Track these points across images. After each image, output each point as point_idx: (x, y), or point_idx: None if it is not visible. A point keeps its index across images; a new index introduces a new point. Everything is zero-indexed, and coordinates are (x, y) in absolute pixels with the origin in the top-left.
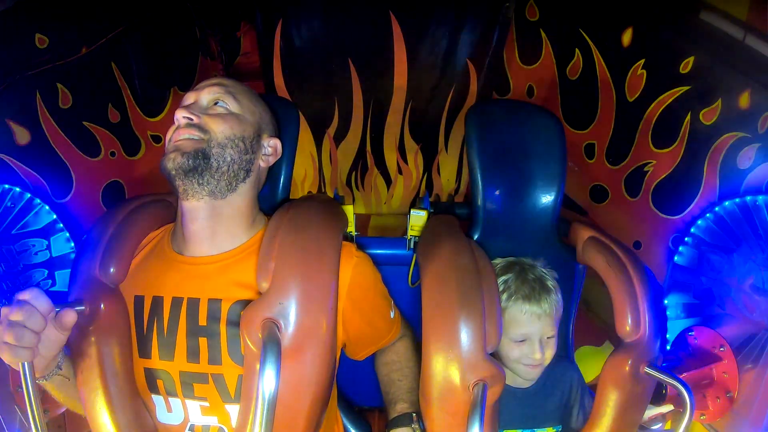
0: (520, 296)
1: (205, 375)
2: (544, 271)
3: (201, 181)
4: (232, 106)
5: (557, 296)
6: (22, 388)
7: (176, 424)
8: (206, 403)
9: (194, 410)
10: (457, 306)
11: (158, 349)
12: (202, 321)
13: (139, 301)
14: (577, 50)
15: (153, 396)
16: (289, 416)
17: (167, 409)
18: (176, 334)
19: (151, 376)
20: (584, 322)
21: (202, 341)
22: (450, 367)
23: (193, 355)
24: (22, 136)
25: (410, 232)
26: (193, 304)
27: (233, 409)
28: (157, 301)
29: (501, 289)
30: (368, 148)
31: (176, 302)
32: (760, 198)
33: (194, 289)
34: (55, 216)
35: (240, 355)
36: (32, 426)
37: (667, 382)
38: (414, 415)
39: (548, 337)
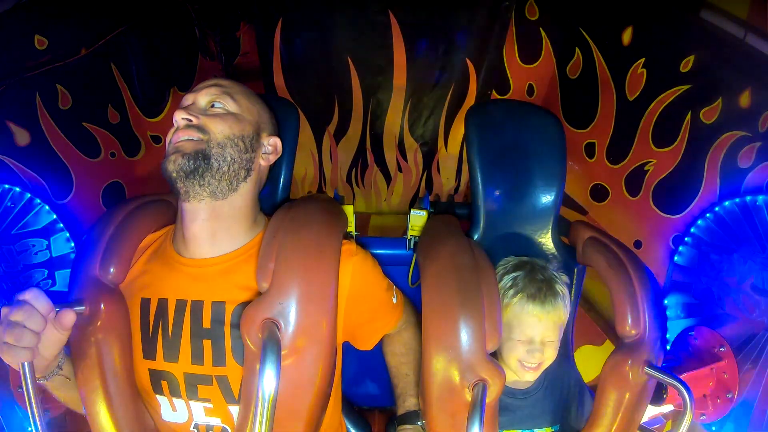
0: (525, 295)
1: (209, 377)
2: (555, 274)
3: (202, 183)
4: (230, 106)
5: (564, 302)
6: (22, 388)
7: (181, 423)
8: (210, 405)
9: (198, 411)
10: (457, 306)
11: (163, 351)
12: (206, 323)
13: (145, 303)
14: (577, 49)
15: (157, 396)
16: (289, 416)
17: (172, 409)
18: (180, 336)
19: (155, 377)
20: (584, 321)
21: (206, 343)
22: (450, 367)
23: (197, 357)
24: (21, 137)
25: (410, 232)
26: (197, 306)
27: (237, 410)
28: (163, 304)
29: (509, 285)
30: (368, 145)
31: (180, 305)
32: (761, 198)
33: (198, 292)
34: (55, 216)
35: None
36: (33, 426)
37: (667, 382)
38: (421, 412)
39: (549, 341)
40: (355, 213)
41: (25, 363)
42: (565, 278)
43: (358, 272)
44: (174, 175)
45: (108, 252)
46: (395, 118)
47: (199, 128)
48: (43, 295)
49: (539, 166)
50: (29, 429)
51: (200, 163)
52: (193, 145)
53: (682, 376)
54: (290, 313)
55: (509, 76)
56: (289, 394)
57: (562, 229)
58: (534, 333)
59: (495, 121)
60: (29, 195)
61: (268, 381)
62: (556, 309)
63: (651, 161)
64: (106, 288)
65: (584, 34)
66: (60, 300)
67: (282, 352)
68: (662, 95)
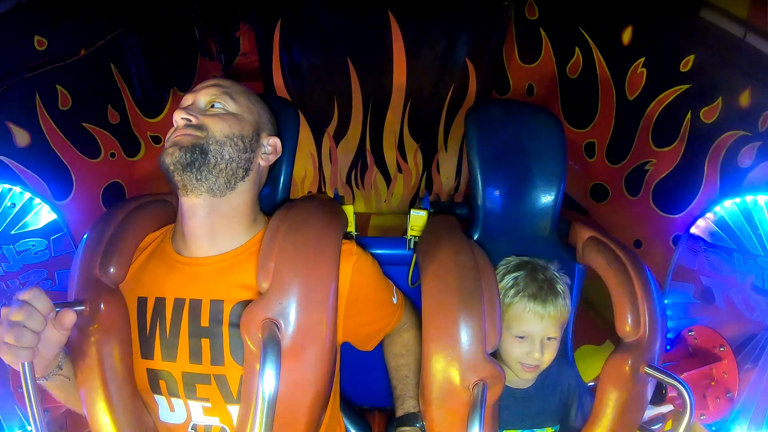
0: (526, 294)
1: (208, 376)
2: (556, 274)
3: (199, 177)
4: (230, 106)
5: (564, 301)
6: (22, 388)
7: (179, 424)
8: (208, 404)
9: (196, 411)
10: (457, 306)
11: (161, 350)
12: (205, 322)
13: (142, 302)
14: (576, 49)
15: (155, 396)
16: (289, 416)
17: (170, 409)
18: (178, 335)
19: (153, 377)
20: (584, 321)
21: (205, 342)
22: (450, 367)
23: (195, 356)
24: (21, 137)
25: (410, 232)
26: (195, 305)
27: (235, 410)
28: (160, 302)
29: (510, 285)
30: (368, 146)
31: (178, 303)
32: (761, 197)
33: (196, 291)
34: (55, 216)
35: (243, 356)
36: (32, 426)
37: (667, 382)
38: (420, 414)
39: (549, 338)
40: (354, 213)
41: (25, 363)
42: (566, 278)
43: (358, 272)
44: (171, 167)
45: (108, 252)
46: (395, 118)
47: (199, 127)
48: (43, 295)
49: (539, 166)
50: (29, 429)
51: (197, 156)
52: (191, 139)
53: (682, 376)
54: (290, 313)
55: (509, 76)
56: (289, 394)
57: (562, 229)
58: (535, 332)
59: (495, 121)
60: (29, 195)
61: (268, 381)
62: (557, 308)
63: (651, 161)
64: (106, 288)
65: (584, 33)
66: (60, 300)
67: (282, 352)
68: (662, 95)
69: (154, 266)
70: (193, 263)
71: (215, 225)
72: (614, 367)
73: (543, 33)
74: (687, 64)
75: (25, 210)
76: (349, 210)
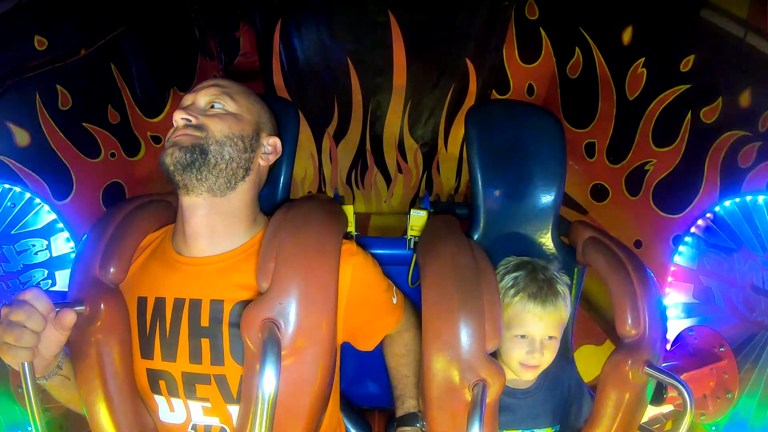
0: (526, 294)
1: (208, 376)
2: (556, 274)
3: (199, 177)
4: (230, 106)
5: (564, 301)
6: (22, 388)
7: (179, 424)
8: (208, 404)
9: (196, 411)
10: (457, 306)
11: (161, 350)
12: (204, 322)
13: (142, 302)
14: (577, 49)
15: (155, 396)
16: (289, 416)
17: (170, 409)
18: (178, 335)
19: (153, 377)
20: (585, 321)
21: (204, 342)
22: (450, 367)
23: (195, 356)
24: (21, 137)
25: (410, 232)
26: (195, 305)
27: (235, 410)
28: (160, 302)
29: (510, 285)
30: (368, 146)
31: (178, 303)
32: (761, 197)
33: (196, 290)
34: (55, 216)
35: (242, 356)
36: (32, 426)
37: (667, 382)
38: (420, 414)
39: (549, 338)
40: (354, 213)
41: (25, 363)
42: (566, 278)
43: (358, 272)
44: (171, 168)
45: (108, 252)
46: (395, 118)
47: (198, 127)
48: (43, 295)
49: (539, 166)
50: (29, 429)
51: (197, 156)
52: (191, 139)
53: (682, 376)
54: (290, 313)
55: (509, 76)
56: (289, 394)
57: (562, 229)
58: (534, 332)
59: (495, 121)
60: (29, 195)
61: (268, 381)
62: (557, 308)
63: (651, 161)
64: (106, 288)
65: (584, 33)
66: (60, 300)
67: (282, 352)
68: (662, 95)
69: (154, 266)
70: (193, 263)
71: (215, 225)
72: (614, 367)
73: (543, 33)
74: (687, 64)
75: (25, 210)
76: (349, 210)
